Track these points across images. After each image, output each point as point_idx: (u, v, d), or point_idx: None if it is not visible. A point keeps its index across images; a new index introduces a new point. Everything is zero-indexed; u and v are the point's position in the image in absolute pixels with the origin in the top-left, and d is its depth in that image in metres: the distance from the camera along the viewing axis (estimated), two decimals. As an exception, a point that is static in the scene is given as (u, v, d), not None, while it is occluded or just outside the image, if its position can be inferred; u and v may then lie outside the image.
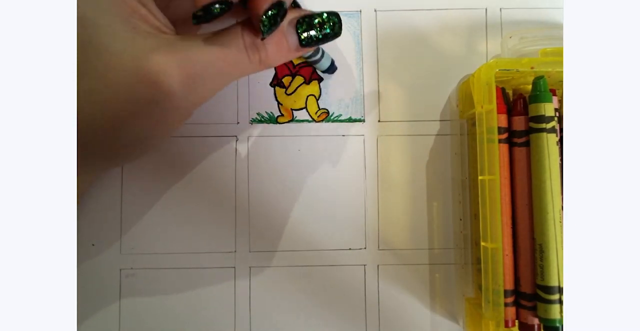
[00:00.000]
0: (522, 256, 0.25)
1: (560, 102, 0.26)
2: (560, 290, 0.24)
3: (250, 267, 0.30)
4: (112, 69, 0.20)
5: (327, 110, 0.30)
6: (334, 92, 0.30)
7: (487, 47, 0.31)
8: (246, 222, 0.30)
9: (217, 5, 0.20)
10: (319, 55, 0.28)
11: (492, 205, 0.24)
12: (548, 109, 0.24)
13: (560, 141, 0.25)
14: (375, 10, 0.31)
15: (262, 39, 0.22)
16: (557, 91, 0.26)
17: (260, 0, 0.21)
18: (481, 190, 0.24)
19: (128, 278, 0.29)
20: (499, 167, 0.24)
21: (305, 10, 0.23)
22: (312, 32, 0.23)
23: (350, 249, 0.30)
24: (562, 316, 0.24)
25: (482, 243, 0.25)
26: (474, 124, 0.26)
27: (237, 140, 0.30)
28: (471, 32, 0.31)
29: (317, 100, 0.30)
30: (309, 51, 0.25)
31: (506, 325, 0.25)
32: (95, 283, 0.29)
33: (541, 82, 0.25)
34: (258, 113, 0.30)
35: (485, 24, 0.31)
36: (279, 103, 0.30)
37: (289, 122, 0.30)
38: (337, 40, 0.30)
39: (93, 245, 0.29)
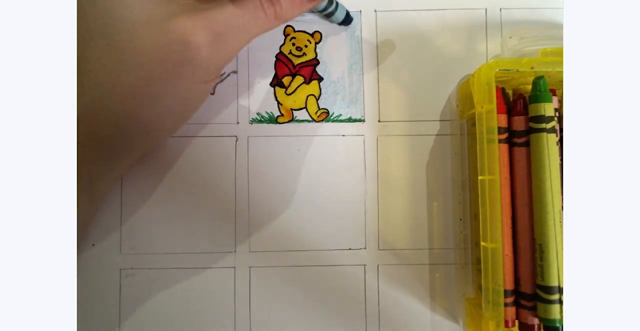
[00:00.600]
0: (522, 256, 0.25)
1: (560, 102, 0.26)
2: (560, 290, 0.24)
3: (250, 267, 0.30)
4: (137, 37, 0.21)
5: (327, 110, 0.30)
6: (334, 92, 0.30)
7: (487, 47, 0.31)
8: (246, 222, 0.30)
9: None
10: (333, 7, 0.28)
11: (492, 205, 0.24)
12: (548, 109, 0.24)
13: (560, 141, 0.25)
14: (375, 11, 0.31)
15: None
16: (557, 91, 0.26)
17: None
18: (481, 190, 0.24)
19: (128, 278, 0.29)
20: (499, 167, 0.24)
21: None
22: None
23: (350, 249, 0.30)
24: (562, 316, 0.24)
25: (482, 243, 0.25)
26: (474, 124, 0.26)
27: (237, 140, 0.30)
28: (471, 32, 0.31)
29: (317, 100, 0.30)
30: (322, 2, 0.26)
31: (506, 325, 0.25)
32: (95, 283, 0.29)
33: (541, 82, 0.25)
34: (258, 113, 0.30)
35: (485, 24, 0.31)
36: (279, 103, 0.30)
37: (289, 122, 0.30)
38: (337, 40, 0.30)
39: (93, 245, 0.29)
